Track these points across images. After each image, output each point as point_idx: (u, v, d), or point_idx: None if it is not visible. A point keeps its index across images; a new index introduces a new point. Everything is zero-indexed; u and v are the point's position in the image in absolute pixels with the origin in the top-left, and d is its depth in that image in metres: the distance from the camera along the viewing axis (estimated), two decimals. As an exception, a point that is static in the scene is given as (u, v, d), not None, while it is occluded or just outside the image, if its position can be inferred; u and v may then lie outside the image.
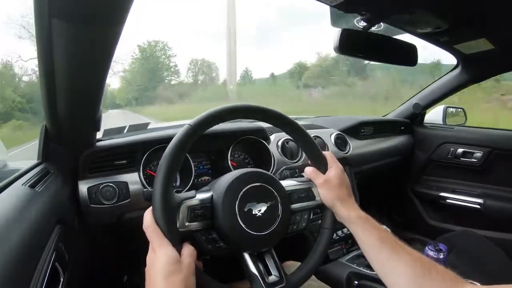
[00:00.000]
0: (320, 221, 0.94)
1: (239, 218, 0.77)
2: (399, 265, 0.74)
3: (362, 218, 0.84)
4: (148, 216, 0.72)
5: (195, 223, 0.76)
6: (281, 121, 0.89)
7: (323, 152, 0.94)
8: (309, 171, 0.94)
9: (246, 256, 0.81)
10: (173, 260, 0.66)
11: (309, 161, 0.96)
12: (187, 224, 0.75)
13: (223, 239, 0.81)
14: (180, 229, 0.73)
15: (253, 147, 1.50)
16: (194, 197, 0.78)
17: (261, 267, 0.81)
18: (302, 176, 0.97)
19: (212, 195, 0.80)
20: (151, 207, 0.72)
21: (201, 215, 0.77)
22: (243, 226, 0.77)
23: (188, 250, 0.71)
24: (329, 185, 0.89)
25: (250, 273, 0.79)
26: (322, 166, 0.92)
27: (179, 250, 0.69)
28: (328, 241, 0.91)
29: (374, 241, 0.79)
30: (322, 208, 0.93)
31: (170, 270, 0.65)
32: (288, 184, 0.92)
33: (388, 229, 0.96)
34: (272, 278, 0.80)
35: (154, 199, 0.70)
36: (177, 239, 0.70)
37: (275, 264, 0.83)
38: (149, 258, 0.69)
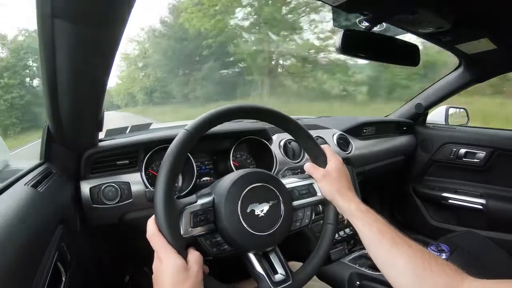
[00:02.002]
0: (322, 221, 0.94)
1: (242, 220, 0.77)
2: (399, 257, 0.74)
3: (362, 211, 0.84)
4: (151, 225, 0.71)
5: (198, 228, 0.76)
6: (277, 118, 0.90)
7: (322, 146, 0.94)
8: (308, 166, 0.94)
9: (251, 256, 0.81)
10: (180, 268, 0.66)
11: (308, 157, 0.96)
12: (190, 230, 0.75)
13: (227, 241, 0.80)
14: (184, 236, 0.73)
15: (255, 147, 1.51)
16: (196, 202, 0.78)
17: (266, 266, 0.81)
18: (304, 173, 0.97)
19: (213, 198, 0.80)
20: (153, 216, 0.72)
21: (204, 220, 0.77)
22: (247, 227, 0.77)
23: (194, 256, 0.70)
24: (329, 179, 0.89)
25: (256, 273, 0.80)
26: (321, 160, 0.93)
27: (185, 257, 0.69)
28: (332, 237, 0.92)
29: (374, 234, 0.79)
30: (324, 203, 0.94)
31: (178, 278, 0.65)
32: (289, 181, 0.92)
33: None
34: (279, 277, 0.81)
35: (156, 208, 0.70)
36: (182, 246, 0.70)
37: (280, 262, 0.83)
38: (155, 267, 0.69)
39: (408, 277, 0.71)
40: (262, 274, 0.79)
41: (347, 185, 0.90)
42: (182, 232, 0.73)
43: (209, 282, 0.75)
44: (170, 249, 0.68)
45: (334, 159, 0.92)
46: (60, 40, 0.61)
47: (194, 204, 0.77)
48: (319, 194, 0.92)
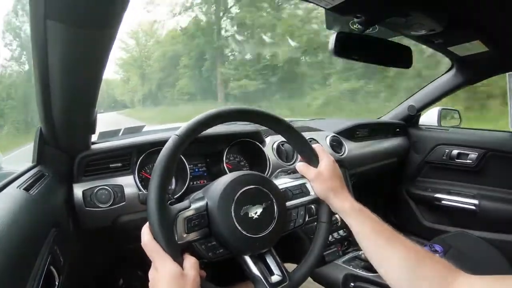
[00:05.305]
0: (316, 223, 0.94)
1: (236, 223, 0.76)
2: (394, 255, 0.74)
3: (356, 209, 0.84)
4: (145, 233, 0.71)
5: (193, 233, 0.76)
6: (269, 120, 0.90)
7: (313, 145, 0.94)
8: (300, 166, 0.94)
9: (247, 259, 0.81)
10: (176, 276, 0.66)
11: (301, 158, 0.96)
12: (185, 235, 0.74)
13: (223, 245, 0.80)
14: (179, 242, 0.73)
15: (248, 149, 1.51)
16: (189, 207, 0.77)
17: (263, 268, 0.81)
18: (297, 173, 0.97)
19: (207, 203, 0.80)
20: (147, 224, 0.71)
21: (198, 224, 0.77)
22: (241, 230, 0.77)
23: (190, 262, 0.70)
24: (321, 178, 0.89)
25: (252, 275, 0.80)
26: (312, 159, 0.93)
27: (180, 263, 0.68)
28: (326, 235, 0.92)
29: (369, 232, 0.80)
30: (317, 202, 0.93)
31: (175, 286, 0.65)
32: (281, 182, 0.92)
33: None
34: (275, 278, 0.81)
35: (149, 216, 0.70)
36: (177, 253, 0.70)
37: (276, 264, 0.83)
38: (152, 275, 0.69)
39: (403, 274, 0.72)
40: (259, 276, 0.79)
41: (340, 184, 0.90)
42: (176, 238, 0.72)
43: (207, 287, 0.75)
44: (166, 257, 0.67)
45: (326, 158, 0.92)
46: (53, 42, 0.60)
47: (188, 209, 0.77)
48: (312, 193, 0.92)
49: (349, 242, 1.69)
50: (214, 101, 20.25)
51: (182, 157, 1.25)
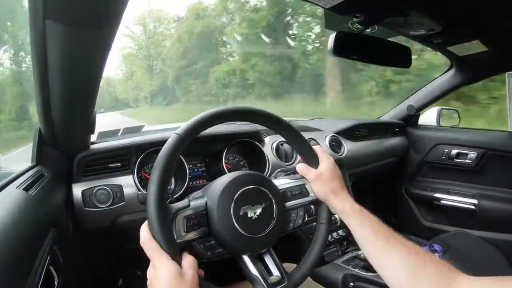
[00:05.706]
0: (315, 223, 0.94)
1: (235, 223, 0.76)
2: (394, 256, 0.74)
3: (355, 211, 0.84)
4: (144, 232, 0.70)
5: (192, 232, 0.75)
6: (269, 120, 0.89)
7: (313, 146, 0.94)
8: (300, 167, 0.94)
9: (246, 259, 0.80)
10: (175, 275, 0.65)
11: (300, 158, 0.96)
12: (184, 234, 0.74)
13: (221, 245, 0.80)
14: (177, 241, 0.72)
15: (247, 149, 1.51)
16: (189, 206, 0.77)
17: (261, 268, 0.81)
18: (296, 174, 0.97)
19: (206, 202, 0.79)
20: (146, 222, 0.71)
21: (198, 224, 0.76)
22: (240, 230, 0.76)
23: (188, 261, 0.70)
24: (321, 179, 0.89)
25: (251, 275, 0.79)
26: (312, 161, 0.92)
27: (179, 262, 0.68)
28: (326, 236, 0.91)
29: (368, 233, 0.80)
30: (316, 203, 0.93)
31: (174, 285, 0.65)
32: (281, 182, 0.92)
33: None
34: (274, 278, 0.80)
35: (148, 214, 0.69)
36: (176, 252, 0.70)
37: (275, 264, 0.83)
38: (150, 274, 0.69)
39: (403, 275, 0.72)
40: (257, 276, 0.79)
41: (339, 185, 0.90)
42: (175, 237, 0.72)
43: (205, 286, 0.74)
44: (164, 255, 0.67)
45: (326, 159, 0.92)
46: (52, 42, 0.60)
47: (187, 208, 0.76)
48: (311, 194, 0.92)
49: (348, 242, 1.69)
50: (302, 100, 12.49)
51: (181, 157, 1.25)
